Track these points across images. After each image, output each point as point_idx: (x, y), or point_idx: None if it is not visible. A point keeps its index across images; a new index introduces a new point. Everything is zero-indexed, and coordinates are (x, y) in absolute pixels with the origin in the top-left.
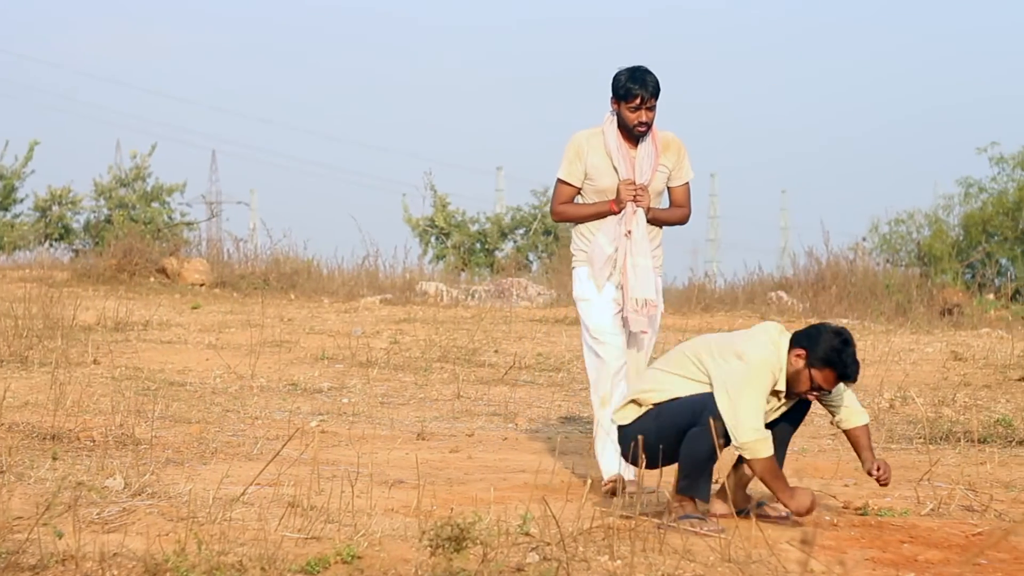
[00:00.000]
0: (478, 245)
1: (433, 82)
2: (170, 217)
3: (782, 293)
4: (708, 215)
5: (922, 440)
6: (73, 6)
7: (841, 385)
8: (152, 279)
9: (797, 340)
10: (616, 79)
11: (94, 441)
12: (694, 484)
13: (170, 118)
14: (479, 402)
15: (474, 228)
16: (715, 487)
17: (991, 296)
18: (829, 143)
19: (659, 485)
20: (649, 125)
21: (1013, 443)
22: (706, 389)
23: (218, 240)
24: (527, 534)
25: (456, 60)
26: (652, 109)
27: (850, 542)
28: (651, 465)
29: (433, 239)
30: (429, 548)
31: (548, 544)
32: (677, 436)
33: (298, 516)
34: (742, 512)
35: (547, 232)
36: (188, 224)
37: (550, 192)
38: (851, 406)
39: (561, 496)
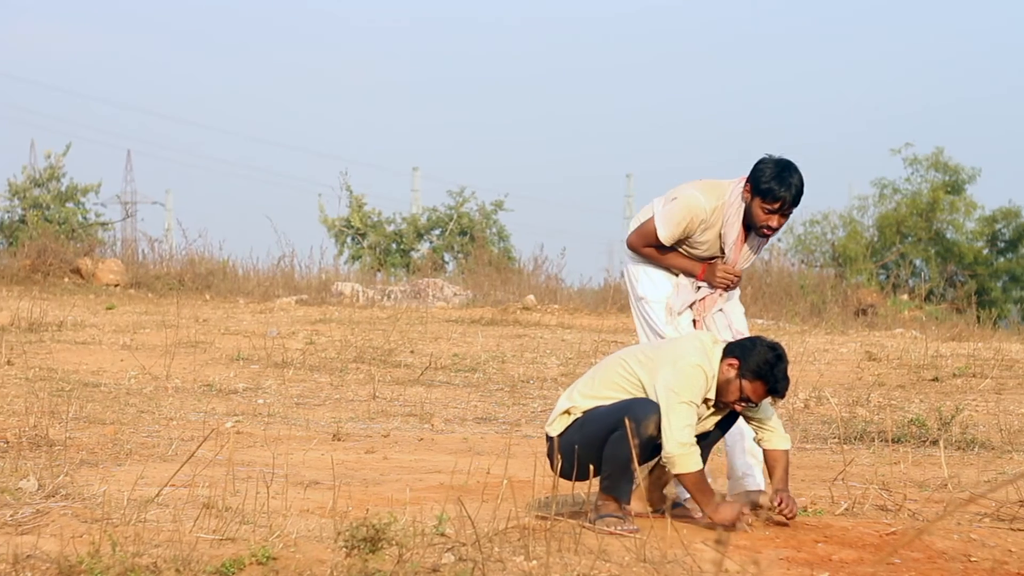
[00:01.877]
0: (394, 246)
1: (349, 82)
2: (85, 217)
3: None
4: (624, 216)
5: (836, 440)
6: None
7: (768, 402)
8: (67, 280)
9: (731, 350)
10: (760, 171)
11: (7, 442)
12: (616, 484)
13: (85, 118)
14: (395, 403)
15: (390, 228)
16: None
17: (905, 296)
18: (745, 144)
19: (588, 494)
20: (776, 231)
21: (927, 443)
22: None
23: (133, 240)
24: (443, 535)
25: (371, 59)
26: (787, 216)
27: (764, 542)
28: (581, 476)
29: (349, 239)
30: (345, 549)
31: (464, 545)
32: (602, 442)
33: (213, 517)
34: (659, 512)
35: (463, 232)
36: (103, 224)
37: (467, 192)
38: (776, 429)
39: (477, 497)
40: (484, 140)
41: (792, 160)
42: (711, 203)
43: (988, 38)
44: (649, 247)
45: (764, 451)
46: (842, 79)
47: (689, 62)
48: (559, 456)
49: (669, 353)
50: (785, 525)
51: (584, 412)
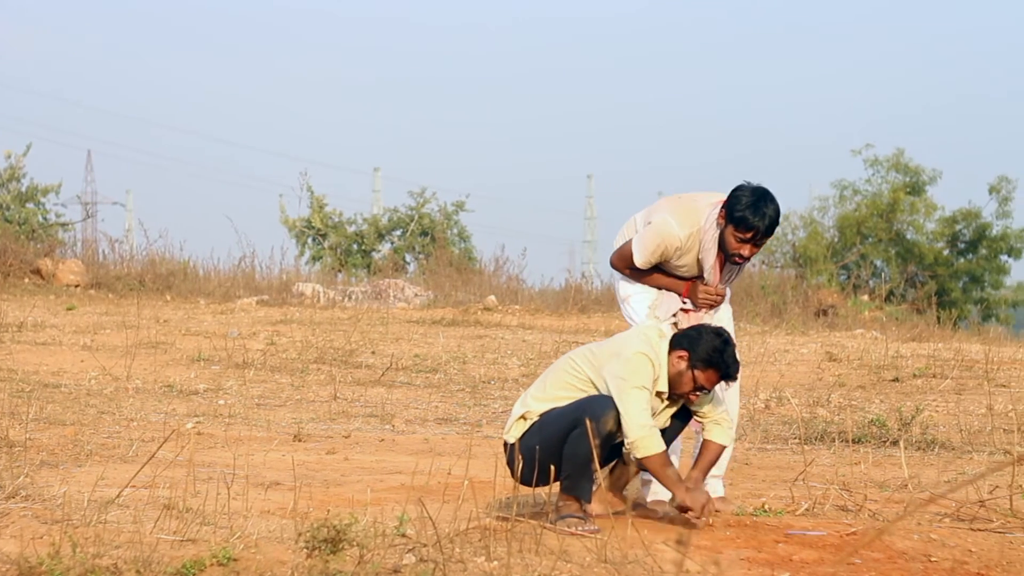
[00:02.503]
0: (355, 246)
1: (310, 82)
2: (45, 218)
3: None
4: (585, 216)
5: (797, 440)
6: None
7: (720, 394)
8: (27, 280)
9: (678, 342)
10: (736, 198)
11: None
12: (576, 484)
13: (45, 118)
14: (356, 403)
15: (351, 229)
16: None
17: (865, 297)
18: (705, 145)
19: (549, 494)
20: (748, 259)
21: (887, 443)
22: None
23: (94, 241)
24: (404, 535)
25: (332, 60)
26: (759, 246)
27: (725, 542)
28: (542, 480)
29: (310, 240)
30: (305, 550)
31: (425, 545)
32: (562, 442)
33: (174, 518)
34: (620, 512)
35: (424, 233)
36: (63, 225)
37: (428, 193)
38: (721, 423)
39: (438, 497)
40: (445, 141)
41: (768, 189)
42: (685, 230)
43: (949, 43)
44: (629, 268)
45: (703, 440)
46: (803, 81)
47: (650, 65)
48: (519, 460)
49: (613, 346)
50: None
51: (540, 415)
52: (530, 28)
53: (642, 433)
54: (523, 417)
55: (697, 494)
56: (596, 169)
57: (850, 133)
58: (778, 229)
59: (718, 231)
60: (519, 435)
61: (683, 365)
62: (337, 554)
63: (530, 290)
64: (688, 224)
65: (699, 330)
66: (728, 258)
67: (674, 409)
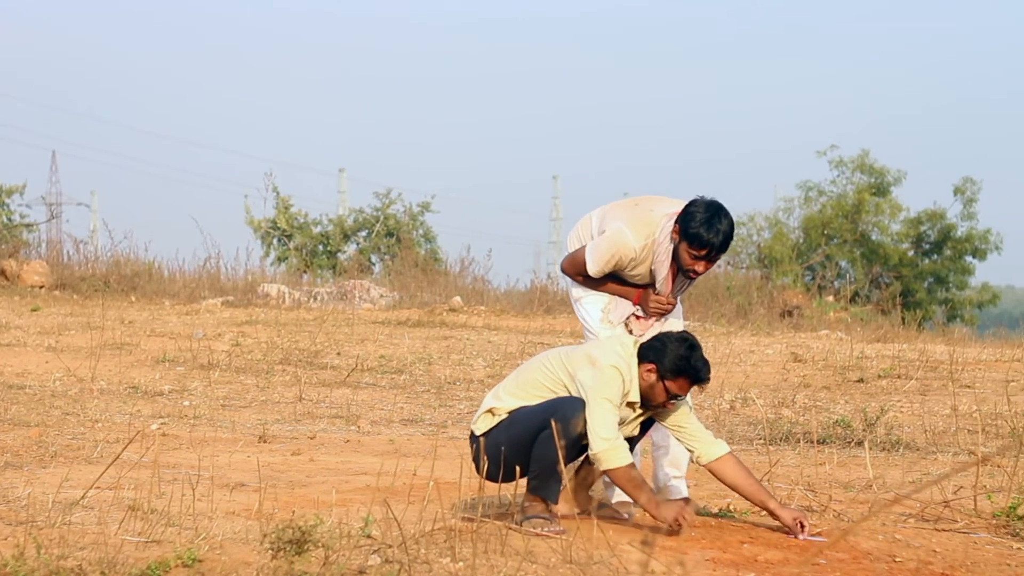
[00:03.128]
0: (320, 247)
1: (274, 83)
2: (9, 219)
3: None
4: (551, 218)
5: (762, 441)
6: None
7: (687, 411)
8: None
9: (644, 354)
10: (690, 214)
11: None
12: (544, 484)
13: (9, 118)
14: (321, 404)
15: (316, 230)
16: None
17: (830, 298)
18: (671, 146)
19: (515, 494)
20: (702, 274)
21: (851, 444)
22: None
23: (58, 242)
24: (369, 536)
25: (297, 61)
26: (714, 261)
27: (691, 543)
28: (508, 477)
29: (275, 241)
30: (270, 551)
31: (390, 546)
32: (530, 442)
33: (138, 520)
34: (585, 513)
35: (389, 234)
36: (28, 226)
37: (394, 194)
38: (703, 437)
39: (403, 498)
40: (411, 141)
41: (722, 204)
42: (640, 241)
43: (913, 44)
44: (581, 275)
45: (712, 469)
46: (768, 83)
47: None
48: (485, 458)
49: (588, 354)
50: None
51: (509, 412)
52: (496, 29)
53: (606, 446)
54: (491, 412)
55: (669, 508)
56: (562, 170)
57: (816, 135)
58: (743, 230)
59: (672, 245)
60: (486, 429)
61: (653, 377)
62: (302, 555)
63: (496, 291)
64: (643, 235)
65: (663, 340)
66: (682, 273)
67: (644, 417)
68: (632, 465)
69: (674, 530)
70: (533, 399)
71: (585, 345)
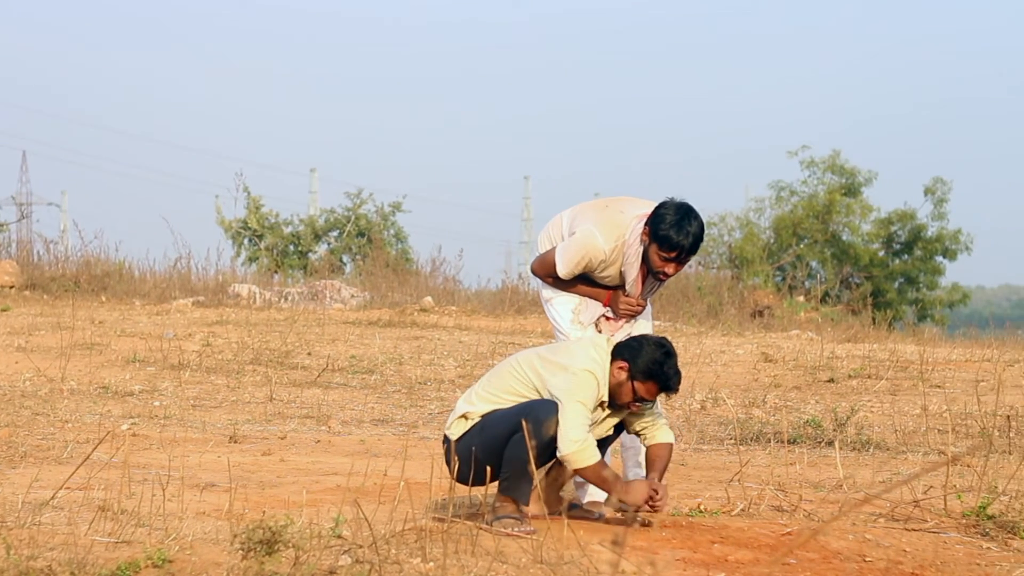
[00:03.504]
0: (291, 247)
1: (245, 83)
2: None
3: None
4: (522, 218)
5: (733, 441)
6: None
7: (659, 403)
8: None
9: (619, 352)
10: (660, 216)
11: None
12: (515, 485)
13: None
14: (292, 404)
15: (288, 230)
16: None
17: (801, 298)
18: (643, 147)
19: (486, 495)
20: (672, 276)
21: (822, 444)
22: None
23: (28, 242)
24: (339, 537)
25: (268, 61)
26: (684, 263)
27: (661, 543)
28: (478, 481)
29: (246, 241)
30: (241, 551)
31: (360, 547)
32: (503, 444)
33: (109, 520)
34: (556, 513)
35: (361, 234)
36: None
37: (365, 194)
38: (660, 426)
39: (374, 499)
40: (382, 141)
41: (692, 206)
42: (609, 243)
43: (885, 47)
44: (551, 276)
45: (647, 448)
46: (740, 84)
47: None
48: (456, 460)
49: (562, 358)
50: (648, 524)
51: (482, 416)
52: (467, 29)
53: (575, 448)
54: (465, 416)
55: (636, 490)
56: (533, 171)
57: (788, 136)
58: (715, 230)
59: (642, 247)
60: (460, 434)
61: (623, 376)
62: (273, 555)
63: (467, 291)
64: (613, 238)
65: (641, 341)
66: (652, 275)
67: (617, 419)
68: (602, 462)
69: (651, 508)
70: (506, 403)
71: (558, 347)
